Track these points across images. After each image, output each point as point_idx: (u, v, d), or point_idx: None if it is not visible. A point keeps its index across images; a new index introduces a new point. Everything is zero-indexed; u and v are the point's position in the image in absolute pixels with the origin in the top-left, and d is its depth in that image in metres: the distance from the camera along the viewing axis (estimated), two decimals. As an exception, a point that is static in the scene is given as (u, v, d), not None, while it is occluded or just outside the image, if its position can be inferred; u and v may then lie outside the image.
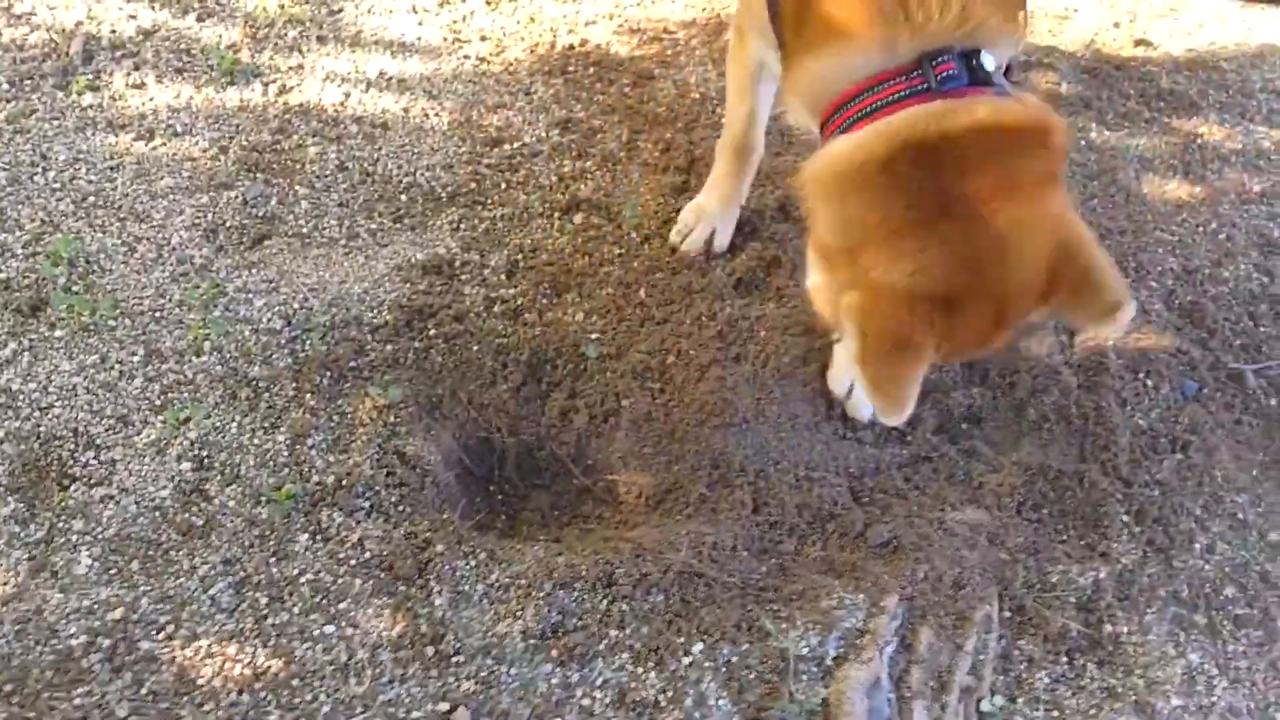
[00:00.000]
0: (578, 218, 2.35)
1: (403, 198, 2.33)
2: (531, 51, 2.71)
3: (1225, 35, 3.20)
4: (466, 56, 2.66)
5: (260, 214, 2.22)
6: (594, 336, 2.16)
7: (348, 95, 2.50)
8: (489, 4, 2.80)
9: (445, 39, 2.69)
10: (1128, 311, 1.42)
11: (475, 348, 2.09)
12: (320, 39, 2.62)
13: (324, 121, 2.43)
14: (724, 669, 1.74)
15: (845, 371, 2.05)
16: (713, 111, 2.61)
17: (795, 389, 2.14)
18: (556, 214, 2.35)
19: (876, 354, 1.41)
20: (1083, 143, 2.81)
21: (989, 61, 1.42)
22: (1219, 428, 2.26)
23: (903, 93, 1.41)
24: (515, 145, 2.47)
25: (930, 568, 1.89)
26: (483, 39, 2.71)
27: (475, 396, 2.06)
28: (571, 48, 2.73)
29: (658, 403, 2.09)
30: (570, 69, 2.68)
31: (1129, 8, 3.24)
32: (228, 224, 2.20)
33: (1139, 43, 3.11)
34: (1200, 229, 2.67)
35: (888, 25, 1.41)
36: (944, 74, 1.40)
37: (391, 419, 1.95)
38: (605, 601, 1.78)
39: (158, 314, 2.03)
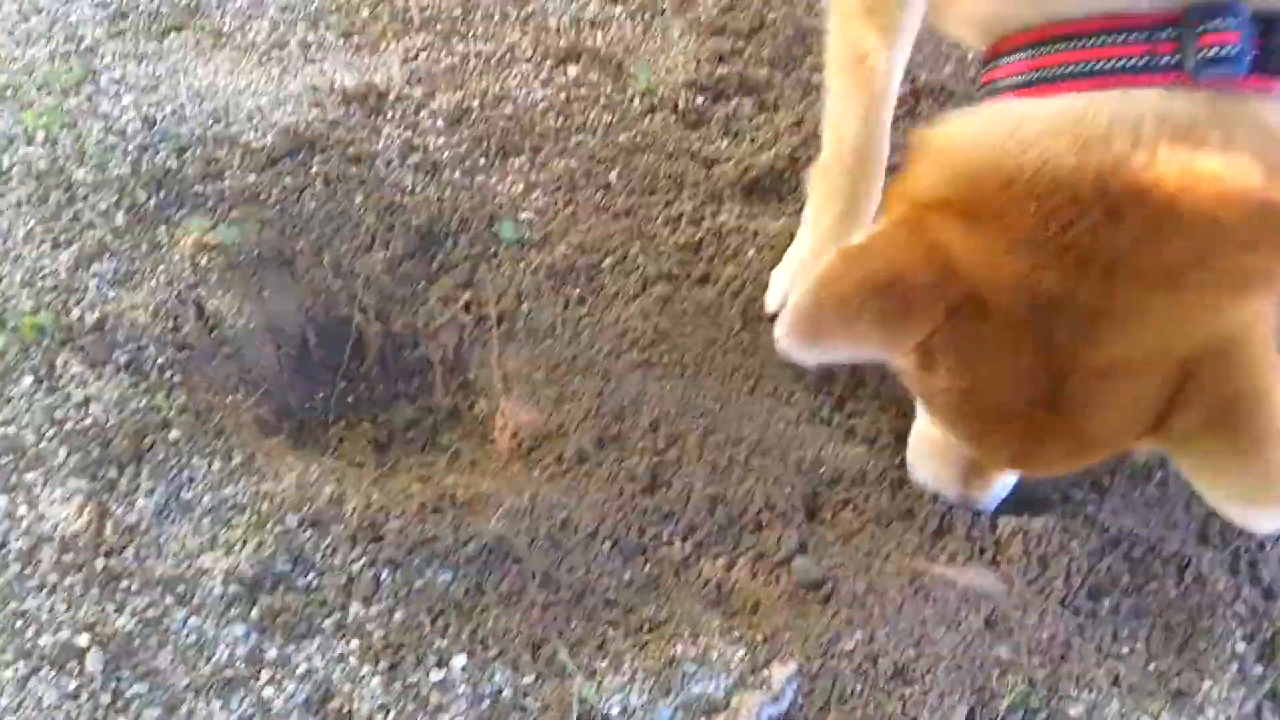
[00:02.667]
0: (573, 69, 1.77)
1: (364, 12, 1.84)
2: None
3: None
4: None
5: (184, 2, 1.81)
6: (523, 216, 1.59)
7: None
8: None
9: None
10: (1270, 513, 0.88)
11: (360, 198, 1.58)
12: None
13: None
14: (484, 702, 1.15)
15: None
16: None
17: (771, 336, 1.47)
18: (550, 60, 1.78)
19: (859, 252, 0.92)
20: None
21: None
22: None
23: (1137, 60, 0.83)
24: (537, -27, 1.92)
25: (868, 636, 1.19)
26: None
27: (343, 261, 1.55)
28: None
29: (570, 314, 1.49)
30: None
31: None
32: (141, 8, 1.80)
33: None
34: None
35: None
36: (1212, 49, 0.81)
37: (206, 262, 1.48)
38: (361, 562, 1.23)
39: (11, 91, 1.67)
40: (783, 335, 0.92)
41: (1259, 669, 1.25)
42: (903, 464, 1.39)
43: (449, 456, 1.47)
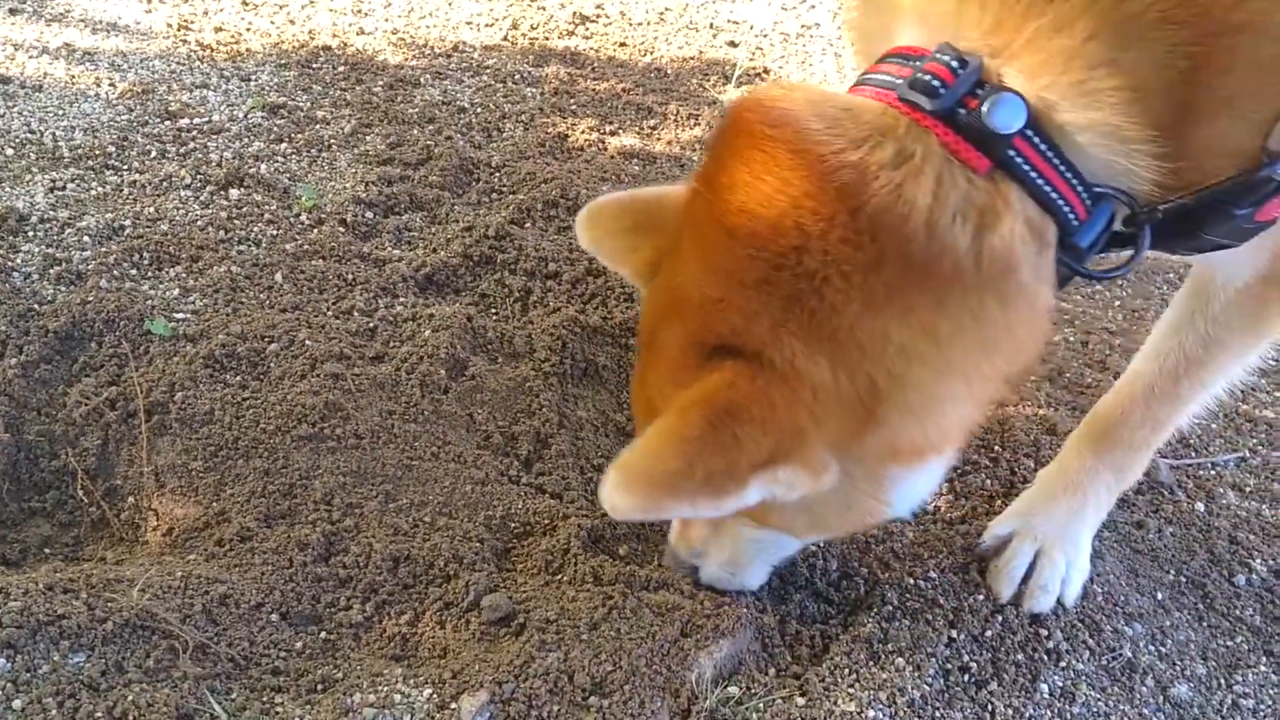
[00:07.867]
0: (235, 192, 1.77)
1: (8, 151, 1.77)
2: (275, 46, 2.23)
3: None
4: (185, 42, 2.18)
5: None
6: (180, 316, 1.51)
7: (11, 58, 2.01)
8: (244, 4, 2.36)
9: (170, 25, 2.22)
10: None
11: (-12, 307, 1.46)
12: (13, 11, 2.17)
13: (-44, 76, 1.93)
14: (119, 785, 0.97)
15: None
16: (485, 126, 2.07)
17: (453, 405, 1.45)
18: (210, 186, 1.77)
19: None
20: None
21: (1008, 112, 0.80)
22: (1107, 529, 1.51)
23: (891, 78, 0.86)
24: (196, 120, 1.93)
25: (563, 656, 1.13)
26: (218, 30, 2.25)
27: (-33, 373, 1.40)
28: (328, 48, 2.25)
29: (229, 399, 1.40)
30: (315, 65, 2.18)
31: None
32: None
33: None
34: (1125, 290, 2.02)
35: None
36: (923, 76, 0.82)
37: None
38: (-33, 654, 1.04)
39: None
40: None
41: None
42: (589, 512, 1.38)
43: (95, 564, 1.30)
